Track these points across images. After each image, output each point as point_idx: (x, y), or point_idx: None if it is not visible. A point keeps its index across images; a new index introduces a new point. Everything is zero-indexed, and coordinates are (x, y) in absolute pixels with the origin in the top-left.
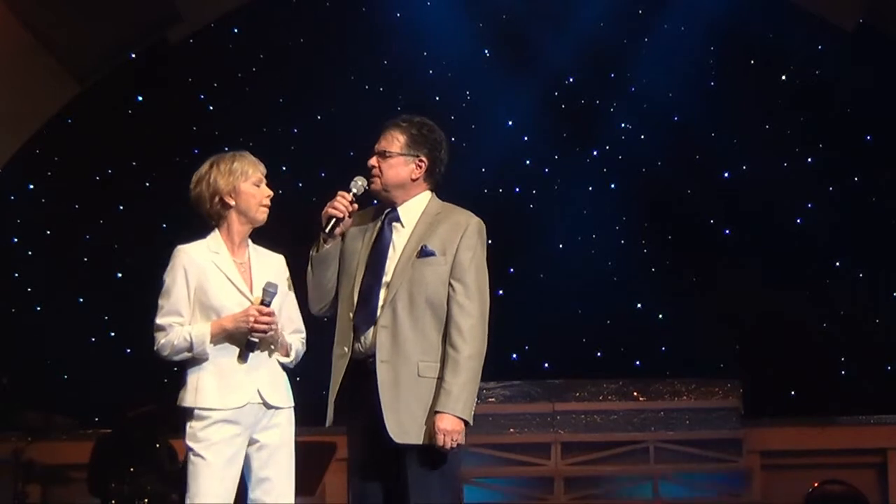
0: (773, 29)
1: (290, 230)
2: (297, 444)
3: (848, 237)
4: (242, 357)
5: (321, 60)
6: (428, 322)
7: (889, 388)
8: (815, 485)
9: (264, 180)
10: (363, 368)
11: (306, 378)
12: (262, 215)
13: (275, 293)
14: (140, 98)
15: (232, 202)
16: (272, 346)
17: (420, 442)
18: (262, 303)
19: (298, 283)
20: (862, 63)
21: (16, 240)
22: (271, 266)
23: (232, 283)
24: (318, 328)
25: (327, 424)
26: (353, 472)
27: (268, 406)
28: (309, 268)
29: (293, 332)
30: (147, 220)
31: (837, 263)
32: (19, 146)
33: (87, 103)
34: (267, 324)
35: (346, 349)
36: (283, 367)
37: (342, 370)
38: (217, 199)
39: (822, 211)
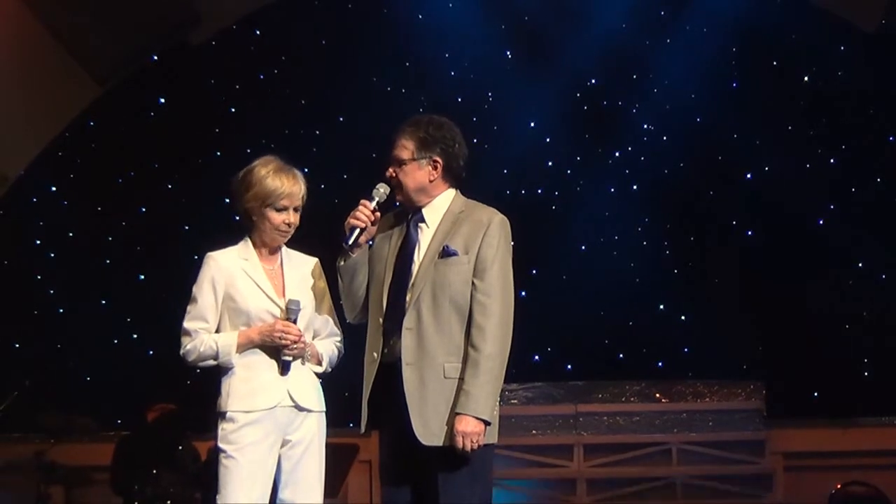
0: (794, 30)
1: (314, 232)
2: None
3: (870, 238)
4: (282, 374)
5: (343, 62)
6: (453, 323)
7: None
8: (838, 486)
9: (293, 206)
10: (392, 372)
11: (328, 380)
12: (276, 241)
13: (298, 310)
14: (162, 100)
15: (255, 218)
16: (302, 358)
17: (447, 443)
18: (286, 320)
19: (331, 287)
20: (884, 64)
21: (38, 242)
22: (304, 271)
23: (261, 288)
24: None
25: (362, 431)
26: (383, 474)
27: (299, 408)
28: (339, 278)
29: (328, 336)
30: (169, 221)
31: (860, 264)
32: (41, 148)
33: (109, 105)
34: (299, 342)
35: (375, 355)
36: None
37: (372, 375)
38: (243, 210)
39: (844, 212)
